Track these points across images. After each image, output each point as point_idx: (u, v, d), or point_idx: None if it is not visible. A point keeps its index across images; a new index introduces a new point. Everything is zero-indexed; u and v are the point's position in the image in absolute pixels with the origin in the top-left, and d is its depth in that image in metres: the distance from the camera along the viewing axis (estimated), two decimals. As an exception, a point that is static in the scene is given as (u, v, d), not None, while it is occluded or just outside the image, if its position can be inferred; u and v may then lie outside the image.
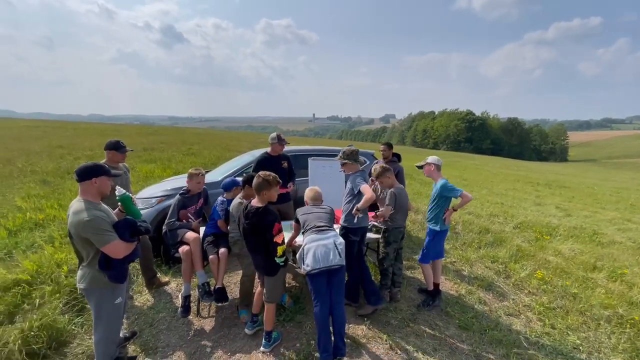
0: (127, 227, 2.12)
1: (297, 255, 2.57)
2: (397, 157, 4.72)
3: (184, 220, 3.28)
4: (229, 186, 3.39)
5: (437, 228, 3.29)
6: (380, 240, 3.47)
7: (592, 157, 72.27)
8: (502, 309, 3.52)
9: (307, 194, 2.99)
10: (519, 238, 5.71)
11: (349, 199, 3.14)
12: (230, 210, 3.07)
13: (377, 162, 4.89)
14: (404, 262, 4.33)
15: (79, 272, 2.15)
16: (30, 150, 11.39)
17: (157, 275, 3.68)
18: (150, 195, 4.41)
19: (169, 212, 3.26)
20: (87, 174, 2.08)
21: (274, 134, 3.97)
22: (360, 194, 3.02)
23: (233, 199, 3.21)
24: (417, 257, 4.59)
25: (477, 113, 73.77)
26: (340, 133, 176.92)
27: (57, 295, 2.99)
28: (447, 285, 3.92)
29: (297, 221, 2.79)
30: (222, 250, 3.09)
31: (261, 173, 2.54)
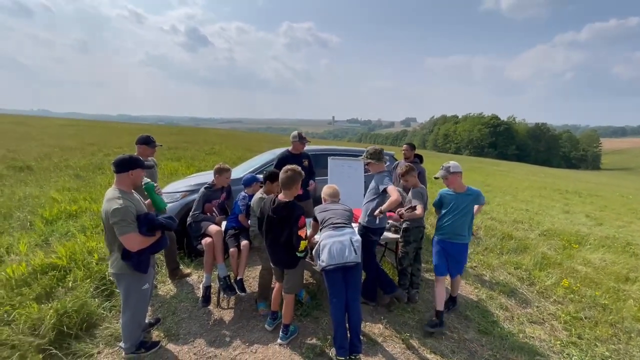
0: (146, 222, 2.21)
1: (314, 251, 2.61)
2: (419, 158, 4.67)
3: (208, 214, 3.40)
4: (250, 182, 3.48)
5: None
6: (400, 240, 3.45)
7: (628, 166, 68.28)
8: (525, 315, 3.40)
9: (325, 191, 3.01)
10: (544, 245, 5.50)
11: (372, 197, 3.10)
12: (252, 205, 3.15)
13: (399, 163, 4.87)
14: (423, 264, 4.29)
15: (111, 258, 2.28)
16: (65, 146, 12.09)
17: (180, 267, 3.82)
18: (175, 190, 4.58)
19: (194, 205, 3.40)
20: (124, 166, 2.22)
21: (295, 132, 4.03)
22: (384, 194, 3.02)
23: (254, 194, 3.29)
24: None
25: (502, 117, 71.54)
26: (359, 136, 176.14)
27: (88, 280, 3.16)
28: (467, 290, 3.83)
29: (316, 219, 2.82)
30: (244, 242, 3.18)
31: (290, 167, 2.61)
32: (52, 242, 3.92)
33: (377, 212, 2.98)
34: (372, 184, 3.18)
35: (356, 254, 2.49)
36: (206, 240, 3.16)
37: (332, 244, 2.49)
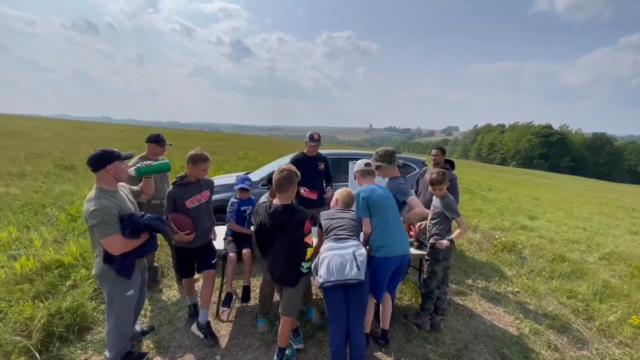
0: (130, 223, 2.02)
1: (312, 265, 2.25)
2: (450, 164, 4.14)
3: (175, 226, 2.51)
4: (236, 186, 3.23)
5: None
6: (426, 257, 2.97)
7: None
8: (581, 359, 2.75)
9: (339, 194, 2.61)
10: (606, 272, 4.63)
11: None
12: (256, 209, 2.89)
13: (426, 169, 4.38)
14: (453, 286, 3.75)
15: (95, 260, 2.12)
16: (111, 149, 12.90)
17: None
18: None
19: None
20: (100, 162, 2.00)
21: (308, 133, 3.74)
22: (404, 206, 2.63)
23: (244, 199, 3.17)
24: (469, 281, 3.97)
25: (555, 127, 65.97)
26: (397, 144, 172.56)
27: (91, 280, 3.07)
28: (506, 320, 3.23)
29: (321, 226, 2.48)
30: (245, 250, 2.93)
31: (285, 166, 2.31)
32: (69, 238, 3.96)
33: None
34: None
35: (359, 270, 2.09)
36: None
37: (332, 257, 2.13)
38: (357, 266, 2.09)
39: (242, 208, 3.18)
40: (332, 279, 2.07)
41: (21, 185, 6.24)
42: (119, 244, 1.97)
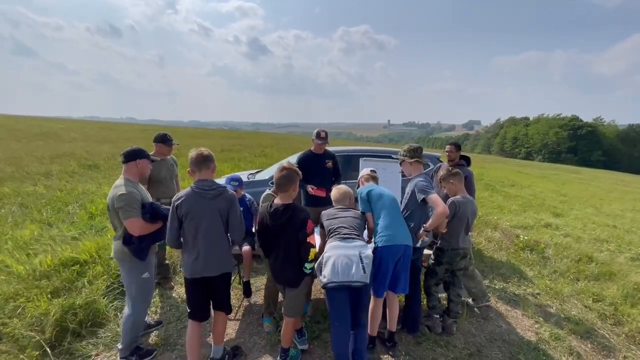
0: (151, 209, 2.27)
1: (316, 264, 2.20)
2: (466, 160, 3.97)
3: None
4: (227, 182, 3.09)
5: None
6: (432, 258, 2.89)
7: None
8: (607, 368, 2.57)
9: (333, 193, 2.61)
10: (638, 273, 4.32)
11: (411, 210, 2.61)
12: (261, 204, 2.87)
13: (440, 165, 4.23)
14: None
15: (114, 244, 2.31)
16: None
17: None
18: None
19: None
20: (132, 156, 2.31)
21: (315, 130, 3.67)
22: (424, 205, 2.52)
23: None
24: (486, 282, 3.80)
25: (585, 119, 62.61)
26: (416, 139, 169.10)
27: (105, 277, 3.16)
28: (524, 324, 3.07)
29: (322, 226, 2.42)
30: (245, 247, 2.93)
31: (286, 165, 2.26)
32: (87, 235, 4.09)
33: (421, 232, 2.51)
34: (408, 191, 2.68)
35: (365, 272, 2.03)
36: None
37: (337, 257, 2.07)
38: (363, 268, 2.03)
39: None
40: (337, 280, 2.03)
41: (47, 184, 6.54)
42: (139, 226, 2.19)
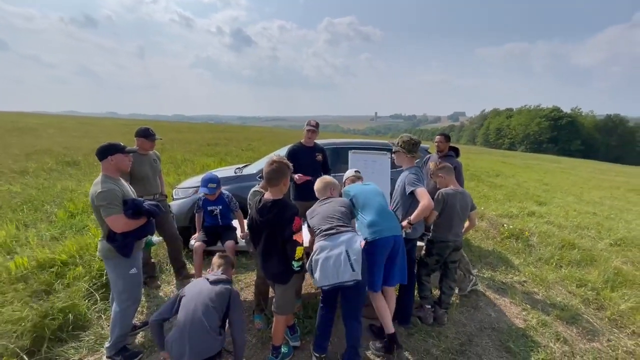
0: (133, 206, 2.25)
1: (307, 265, 2.17)
2: (455, 151, 3.98)
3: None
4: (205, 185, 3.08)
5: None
6: (424, 250, 2.90)
7: None
8: (591, 352, 2.64)
9: (315, 185, 2.60)
10: (618, 258, 4.46)
11: (400, 203, 2.66)
12: (249, 201, 2.79)
13: (429, 157, 4.23)
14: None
15: (99, 243, 2.29)
16: (114, 143, 12.89)
17: (187, 266, 3.62)
18: (190, 185, 4.47)
19: None
20: (103, 153, 2.26)
21: (307, 121, 3.60)
22: (411, 197, 2.53)
23: (213, 199, 3.15)
24: (475, 271, 3.84)
25: (565, 109, 64.33)
26: (403, 132, 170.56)
27: (87, 278, 3.03)
28: (512, 312, 3.13)
29: (309, 225, 2.39)
30: (228, 242, 2.93)
31: (276, 158, 2.19)
32: (67, 235, 3.92)
33: (405, 224, 2.49)
34: (398, 184, 2.71)
35: (354, 270, 1.99)
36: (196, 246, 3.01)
37: (324, 260, 2.03)
38: (352, 266, 1.98)
39: (210, 208, 3.19)
40: (328, 283, 2.02)
41: (22, 183, 6.24)
42: (121, 223, 2.18)
